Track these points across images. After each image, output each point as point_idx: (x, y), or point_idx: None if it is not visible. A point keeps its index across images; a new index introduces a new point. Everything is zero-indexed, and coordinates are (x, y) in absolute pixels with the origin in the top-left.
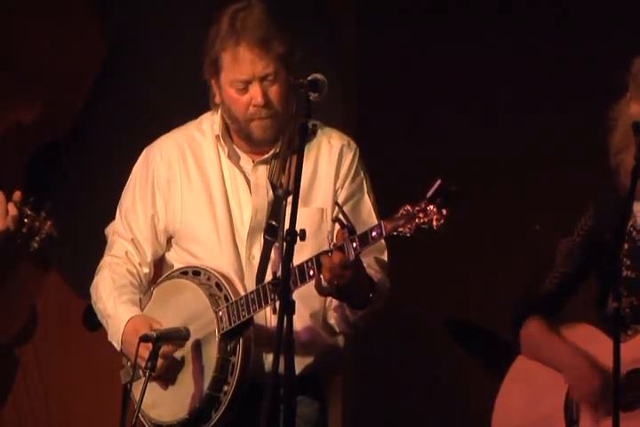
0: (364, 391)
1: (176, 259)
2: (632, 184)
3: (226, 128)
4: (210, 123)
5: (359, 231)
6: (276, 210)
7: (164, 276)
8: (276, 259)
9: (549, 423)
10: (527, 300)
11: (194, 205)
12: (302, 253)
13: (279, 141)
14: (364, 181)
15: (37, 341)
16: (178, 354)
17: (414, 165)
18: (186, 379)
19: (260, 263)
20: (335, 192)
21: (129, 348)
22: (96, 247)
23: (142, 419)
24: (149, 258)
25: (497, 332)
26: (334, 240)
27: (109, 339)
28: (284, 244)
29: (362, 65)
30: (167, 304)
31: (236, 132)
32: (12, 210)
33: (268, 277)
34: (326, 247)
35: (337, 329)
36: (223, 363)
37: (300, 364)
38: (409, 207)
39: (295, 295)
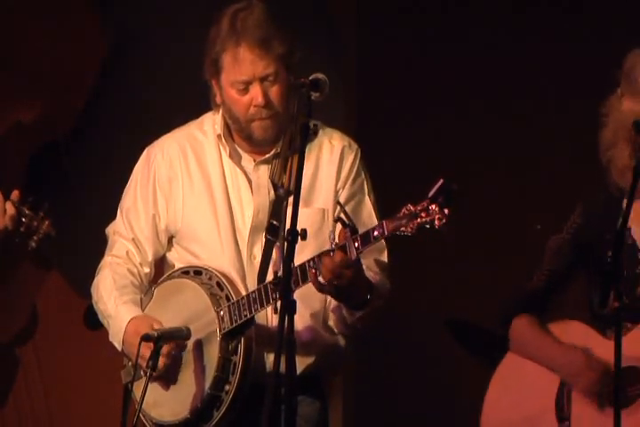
0: (364, 391)
1: (177, 258)
2: (633, 183)
3: (227, 128)
4: (211, 122)
5: (360, 231)
6: (277, 210)
7: (166, 275)
8: (277, 258)
9: (540, 420)
10: (515, 297)
11: (195, 205)
12: (303, 253)
13: (280, 141)
14: (365, 183)
15: (38, 340)
16: (179, 354)
17: (414, 164)
18: (187, 379)
19: (261, 263)
20: (336, 193)
21: (130, 348)
22: (96, 247)
23: (143, 419)
24: (150, 258)
25: (497, 332)
26: (336, 240)
27: (110, 339)
28: (286, 243)
29: (362, 65)
30: (168, 304)
31: (237, 133)
32: (11, 209)
33: (270, 276)
34: (327, 248)
35: (335, 330)
36: (224, 362)
37: (301, 363)
38: (411, 207)
39: (296, 295)
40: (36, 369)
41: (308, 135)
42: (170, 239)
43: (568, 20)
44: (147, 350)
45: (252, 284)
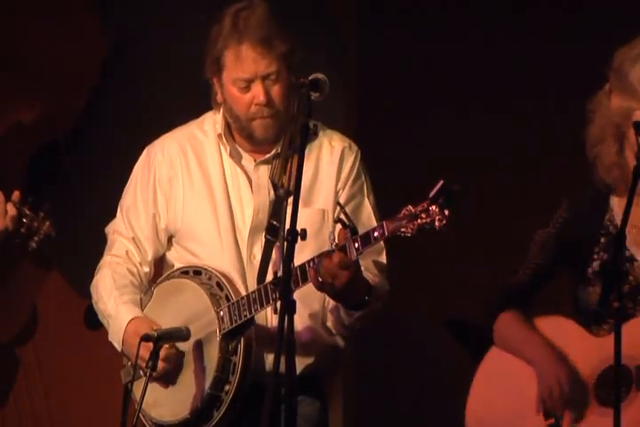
0: (364, 391)
1: (177, 258)
2: (633, 183)
3: (228, 127)
4: (212, 122)
5: (360, 232)
6: (277, 210)
7: (165, 275)
8: (277, 259)
9: (525, 415)
10: (500, 291)
11: (195, 204)
12: (303, 254)
13: (281, 141)
14: (365, 184)
15: (38, 340)
16: (179, 358)
17: (414, 165)
18: (187, 379)
19: (260, 263)
20: (336, 194)
21: (130, 348)
22: (96, 247)
23: (143, 419)
24: (150, 257)
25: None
26: (336, 240)
27: (110, 339)
28: (285, 243)
29: (362, 65)
30: (168, 304)
31: (237, 132)
32: (11, 210)
33: (269, 276)
34: (327, 248)
35: (333, 331)
36: (224, 362)
37: (301, 363)
38: (411, 207)
39: (295, 295)
40: (37, 369)
41: (307, 135)
42: (169, 239)
43: (568, 20)
44: (146, 350)
45: (252, 283)
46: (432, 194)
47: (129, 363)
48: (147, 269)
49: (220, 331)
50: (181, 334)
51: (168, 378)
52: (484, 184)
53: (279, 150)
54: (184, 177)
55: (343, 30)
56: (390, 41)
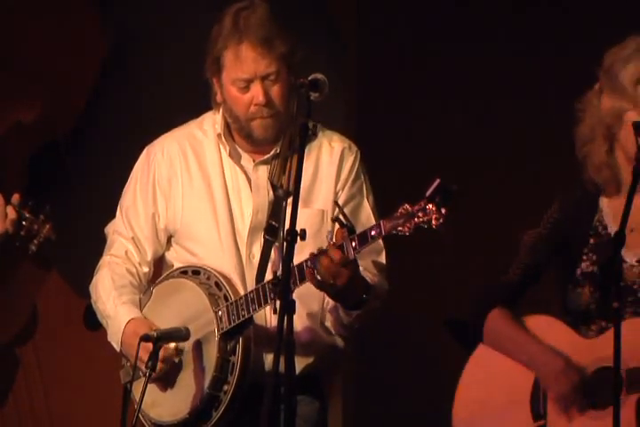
0: (363, 391)
1: (176, 258)
2: (633, 183)
3: (227, 127)
4: (211, 122)
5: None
6: (276, 210)
7: (164, 275)
8: (276, 258)
9: (512, 415)
10: (489, 289)
11: (195, 204)
12: (302, 254)
13: (280, 141)
14: (364, 185)
15: (38, 340)
16: (178, 359)
17: (414, 165)
18: (186, 379)
19: (259, 263)
20: (336, 194)
21: (129, 349)
22: (96, 247)
23: (142, 419)
24: (149, 257)
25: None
26: (334, 239)
27: (109, 339)
28: (285, 244)
29: (362, 65)
30: (167, 304)
31: (237, 132)
32: (11, 213)
33: (268, 276)
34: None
35: (332, 331)
36: (223, 362)
37: (300, 363)
38: (408, 206)
39: (293, 295)
40: (36, 369)
41: (307, 136)
42: (169, 239)
43: (568, 20)
44: (146, 350)
45: (251, 283)
46: (429, 193)
47: (128, 363)
48: (146, 270)
49: (218, 331)
50: (181, 334)
51: (167, 378)
52: (483, 184)
53: (278, 151)
54: (183, 177)
55: (343, 30)
56: (390, 41)
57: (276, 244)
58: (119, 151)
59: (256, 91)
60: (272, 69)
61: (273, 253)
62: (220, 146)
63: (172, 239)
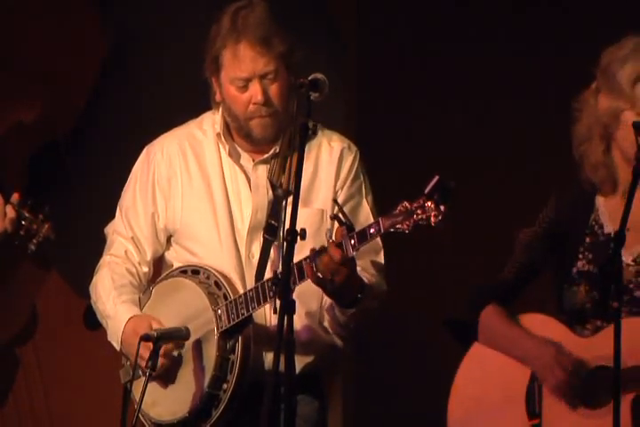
0: (363, 391)
1: (175, 257)
2: (633, 183)
3: (227, 126)
4: (211, 121)
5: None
6: (275, 210)
7: (164, 275)
8: (275, 258)
9: (508, 414)
10: (484, 287)
11: (194, 203)
12: (301, 253)
13: (279, 141)
14: (364, 185)
15: (38, 340)
16: (177, 353)
17: (414, 165)
18: (185, 378)
19: (259, 262)
20: (335, 194)
21: (128, 348)
22: (96, 247)
23: (142, 418)
24: (149, 257)
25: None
26: (333, 238)
27: (109, 339)
28: (285, 243)
29: (362, 65)
30: (166, 303)
31: (236, 131)
32: (10, 212)
33: (268, 275)
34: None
35: (330, 331)
36: (222, 361)
37: (300, 362)
38: (407, 204)
39: (293, 295)
40: (36, 369)
41: (307, 135)
42: (168, 239)
43: (568, 20)
44: (146, 349)
45: (251, 282)
46: (427, 190)
47: (128, 363)
48: (145, 269)
49: (217, 329)
50: (181, 333)
51: (167, 377)
52: (483, 183)
53: (278, 150)
54: (183, 176)
55: (343, 30)
56: (390, 41)
57: (276, 243)
58: (119, 151)
59: (254, 90)
60: (270, 68)
61: (272, 253)
62: (220, 145)
63: (172, 239)
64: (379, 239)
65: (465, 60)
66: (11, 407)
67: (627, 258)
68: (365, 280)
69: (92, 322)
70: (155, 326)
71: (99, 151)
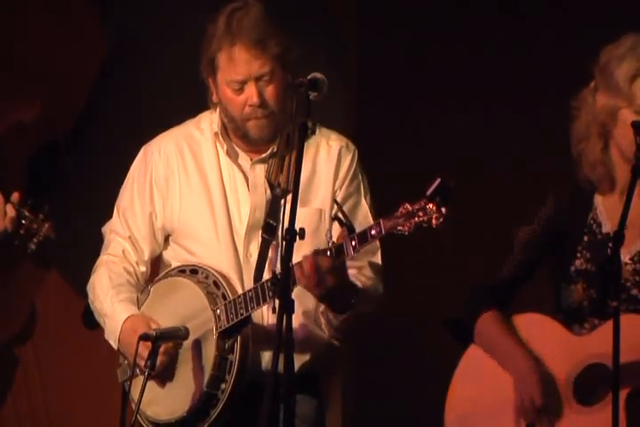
0: (363, 390)
1: (173, 257)
2: (632, 182)
3: (224, 126)
4: (208, 121)
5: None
6: (273, 209)
7: (162, 274)
8: (273, 257)
9: (503, 415)
10: (484, 286)
11: (192, 203)
12: (300, 253)
13: (277, 140)
14: (362, 184)
15: (37, 340)
16: (176, 351)
17: (414, 165)
18: (184, 377)
19: (257, 261)
20: (333, 194)
21: (126, 347)
22: (96, 247)
23: (139, 418)
24: (147, 256)
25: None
26: (334, 239)
27: (106, 337)
28: (284, 242)
29: (362, 65)
30: (165, 302)
31: (233, 132)
32: (11, 211)
33: (266, 275)
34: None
35: (327, 334)
36: (221, 361)
37: (298, 362)
38: (408, 206)
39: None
40: (35, 368)
41: (306, 134)
42: (166, 238)
43: (569, 20)
44: (145, 349)
45: (249, 282)
46: (429, 192)
47: (125, 362)
48: (143, 269)
49: (216, 329)
50: (180, 333)
51: (164, 377)
52: (483, 184)
53: (275, 149)
54: (181, 176)
55: (343, 30)
56: (390, 41)
57: (274, 242)
58: (119, 151)
59: (250, 92)
60: (266, 70)
61: (271, 252)
62: (218, 145)
63: (170, 238)
64: (376, 240)
65: (465, 60)
66: (9, 407)
67: (624, 256)
68: (359, 284)
69: (91, 321)
70: (153, 325)
71: (98, 151)
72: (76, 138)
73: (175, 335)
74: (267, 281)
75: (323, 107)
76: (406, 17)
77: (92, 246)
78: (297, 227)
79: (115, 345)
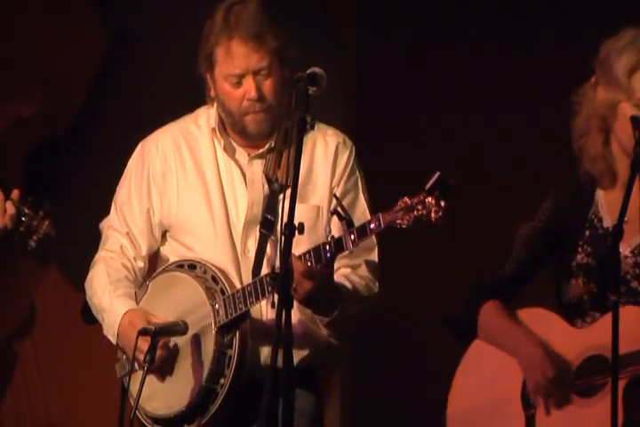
0: (362, 388)
1: (171, 252)
2: (631, 177)
3: (221, 121)
4: (206, 117)
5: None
6: (271, 204)
7: (160, 269)
8: (271, 252)
9: (505, 407)
10: (484, 283)
11: (190, 198)
12: (297, 249)
13: (274, 135)
14: (359, 180)
15: (36, 336)
16: (174, 347)
17: (413, 162)
18: (182, 372)
19: (255, 257)
20: (331, 190)
21: (125, 341)
22: (95, 243)
23: (138, 413)
24: (144, 252)
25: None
26: (332, 233)
27: (105, 333)
28: (283, 237)
29: (362, 65)
30: (163, 297)
31: (230, 127)
32: (10, 208)
33: (264, 270)
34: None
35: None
36: (219, 356)
37: (296, 356)
38: (407, 199)
39: None
40: (34, 364)
41: (305, 129)
42: (164, 234)
43: (568, 20)
44: (144, 343)
45: (247, 277)
46: (428, 186)
47: (124, 357)
48: (141, 264)
49: (215, 324)
50: (179, 328)
51: (163, 371)
52: (483, 181)
53: (273, 145)
54: (178, 171)
55: (343, 30)
56: (390, 41)
57: (272, 237)
58: (118, 149)
59: (248, 86)
60: (264, 64)
61: (269, 247)
62: (215, 140)
63: (168, 234)
64: (373, 237)
65: (465, 60)
66: (8, 403)
67: (624, 250)
68: (349, 285)
69: (90, 317)
70: (152, 319)
71: (98, 149)
72: (76, 136)
73: (174, 330)
74: (265, 276)
75: (322, 107)
76: (406, 17)
77: (92, 243)
78: (295, 222)
79: (113, 340)
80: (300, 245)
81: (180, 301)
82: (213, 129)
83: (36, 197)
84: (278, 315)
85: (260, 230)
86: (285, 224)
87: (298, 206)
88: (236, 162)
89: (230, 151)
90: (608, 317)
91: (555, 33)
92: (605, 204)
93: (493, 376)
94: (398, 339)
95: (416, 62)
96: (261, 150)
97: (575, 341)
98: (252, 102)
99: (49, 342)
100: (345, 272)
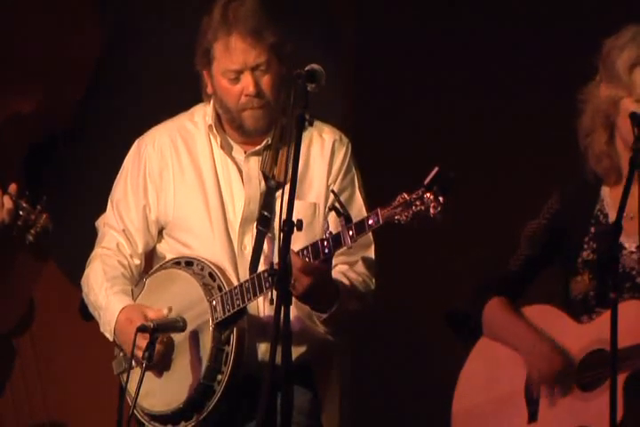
0: (361, 383)
1: (168, 250)
2: (630, 173)
3: (218, 118)
4: (202, 114)
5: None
6: (268, 201)
7: (157, 266)
8: (268, 249)
9: (510, 402)
10: (490, 281)
11: (186, 195)
12: (294, 246)
13: (271, 132)
14: (356, 178)
15: (35, 331)
16: (171, 342)
17: (412, 159)
18: (179, 369)
19: (252, 253)
20: (328, 188)
21: (122, 337)
22: (93, 239)
23: (135, 410)
24: (141, 249)
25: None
26: (330, 229)
27: (101, 330)
28: (281, 234)
29: (361, 64)
30: (160, 294)
31: (228, 123)
32: (8, 203)
33: (261, 267)
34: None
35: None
36: (217, 352)
37: (294, 353)
38: (405, 195)
39: None
40: (33, 360)
41: (303, 126)
42: (160, 231)
43: (568, 20)
44: (142, 340)
45: (244, 274)
46: (427, 181)
47: (120, 354)
48: (137, 262)
49: (212, 321)
50: (178, 324)
51: (160, 368)
52: (482, 177)
53: (270, 141)
54: (175, 169)
55: (343, 30)
56: (390, 40)
57: (269, 234)
58: (117, 145)
59: (246, 82)
60: (262, 60)
61: (266, 244)
62: (211, 137)
63: (164, 231)
64: (370, 234)
65: (464, 59)
66: (7, 398)
67: (630, 245)
68: (347, 282)
69: (89, 313)
70: (149, 315)
71: (97, 145)
72: (75, 132)
73: (173, 327)
74: (263, 272)
75: (321, 104)
76: (406, 17)
77: (91, 240)
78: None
79: (110, 337)
80: (297, 243)
81: (177, 297)
82: (210, 126)
83: (33, 191)
84: (277, 311)
85: (256, 227)
86: (284, 221)
87: (295, 203)
88: (233, 159)
89: (227, 148)
90: (610, 312)
91: (554, 33)
92: (611, 200)
93: (498, 372)
94: (398, 336)
95: (415, 60)
96: (258, 147)
97: (578, 335)
98: (249, 98)
99: (47, 337)
100: (342, 269)
